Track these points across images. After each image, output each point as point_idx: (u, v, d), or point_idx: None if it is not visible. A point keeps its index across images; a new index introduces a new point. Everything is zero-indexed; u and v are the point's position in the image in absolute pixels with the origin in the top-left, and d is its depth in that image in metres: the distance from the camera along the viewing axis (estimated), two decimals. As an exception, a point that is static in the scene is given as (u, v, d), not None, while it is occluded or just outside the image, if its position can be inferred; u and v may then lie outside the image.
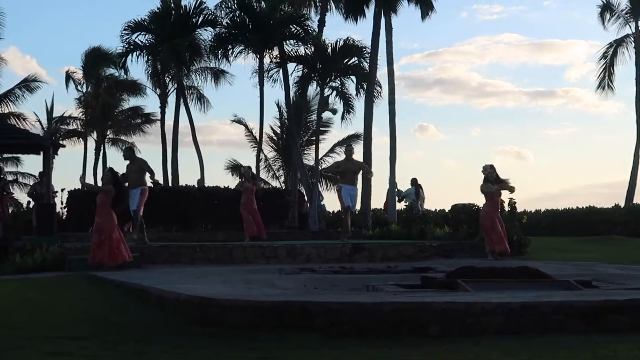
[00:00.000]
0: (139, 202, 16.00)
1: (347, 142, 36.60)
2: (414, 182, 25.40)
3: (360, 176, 18.37)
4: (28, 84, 35.79)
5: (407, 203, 23.31)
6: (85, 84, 40.40)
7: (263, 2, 30.08)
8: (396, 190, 26.10)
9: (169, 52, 29.80)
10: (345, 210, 17.70)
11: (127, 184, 15.40)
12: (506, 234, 15.46)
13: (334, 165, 19.29)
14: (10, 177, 38.42)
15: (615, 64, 33.17)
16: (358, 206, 24.13)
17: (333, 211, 32.84)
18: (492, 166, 15.49)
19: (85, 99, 40.18)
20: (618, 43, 33.14)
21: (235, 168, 37.93)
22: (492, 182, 15.34)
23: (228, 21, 29.82)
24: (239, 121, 38.36)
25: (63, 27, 65.73)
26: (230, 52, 30.01)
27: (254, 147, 37.11)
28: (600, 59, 33.48)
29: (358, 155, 29.43)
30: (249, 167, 19.81)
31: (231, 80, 34.04)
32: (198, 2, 30.59)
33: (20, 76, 47.26)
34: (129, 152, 17.12)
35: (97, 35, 76.73)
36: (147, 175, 16.40)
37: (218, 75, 33.60)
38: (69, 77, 40.02)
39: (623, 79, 62.56)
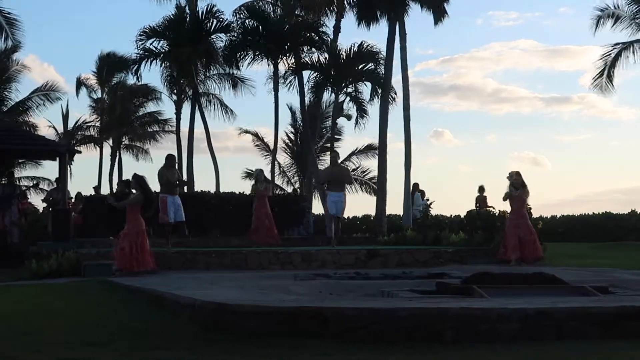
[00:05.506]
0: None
1: (364, 151, 36.66)
2: (415, 187, 25.50)
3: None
4: (48, 94, 35.90)
5: (422, 209, 23.31)
6: (100, 90, 40.54)
7: (278, 9, 30.15)
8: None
9: (183, 59, 29.86)
10: (329, 219, 17.73)
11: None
12: (526, 241, 15.43)
13: (323, 174, 19.25)
14: (26, 182, 38.57)
15: (616, 65, 31.93)
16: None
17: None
18: (517, 173, 15.60)
19: (101, 105, 40.32)
20: (624, 47, 32.21)
21: (250, 175, 38.01)
22: (517, 188, 15.45)
23: (241, 28, 29.86)
24: (247, 132, 38.42)
25: (81, 34, 66.15)
26: (243, 59, 30.06)
27: (265, 155, 37.20)
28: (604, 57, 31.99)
29: (373, 161, 29.48)
30: (261, 170, 19.82)
31: (248, 86, 34.08)
32: (210, 7, 30.70)
33: (39, 83, 47.48)
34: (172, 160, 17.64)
35: (114, 42, 77.24)
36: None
37: (235, 81, 33.63)
38: (80, 84, 40.13)
39: (638, 84, 62.25)
